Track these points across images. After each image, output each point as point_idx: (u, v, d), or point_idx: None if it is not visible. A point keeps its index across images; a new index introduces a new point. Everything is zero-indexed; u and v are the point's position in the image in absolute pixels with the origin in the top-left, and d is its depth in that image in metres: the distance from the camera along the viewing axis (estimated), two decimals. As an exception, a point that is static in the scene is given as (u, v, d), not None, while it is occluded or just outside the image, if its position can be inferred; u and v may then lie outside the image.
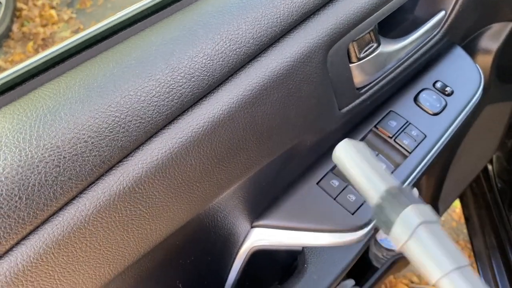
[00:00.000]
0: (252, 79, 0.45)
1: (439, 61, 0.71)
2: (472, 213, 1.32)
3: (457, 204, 1.58)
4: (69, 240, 0.37)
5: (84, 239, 0.38)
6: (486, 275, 1.23)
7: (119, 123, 0.38)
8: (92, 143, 0.37)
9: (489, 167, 1.26)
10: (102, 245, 0.40)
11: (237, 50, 0.44)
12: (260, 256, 0.63)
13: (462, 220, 1.65)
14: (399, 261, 1.02)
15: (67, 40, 0.41)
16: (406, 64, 0.62)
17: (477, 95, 0.69)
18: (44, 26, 2.74)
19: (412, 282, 1.55)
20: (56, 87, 0.39)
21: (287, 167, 0.58)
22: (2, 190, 0.34)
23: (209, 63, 0.42)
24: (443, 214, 1.23)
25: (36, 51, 2.61)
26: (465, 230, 1.64)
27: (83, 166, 0.37)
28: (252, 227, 0.61)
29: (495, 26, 0.79)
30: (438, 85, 0.69)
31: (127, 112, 0.39)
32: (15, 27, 2.65)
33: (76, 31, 2.67)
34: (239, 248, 0.62)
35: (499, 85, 0.89)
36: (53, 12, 2.80)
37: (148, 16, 0.45)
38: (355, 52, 0.54)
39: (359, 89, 0.58)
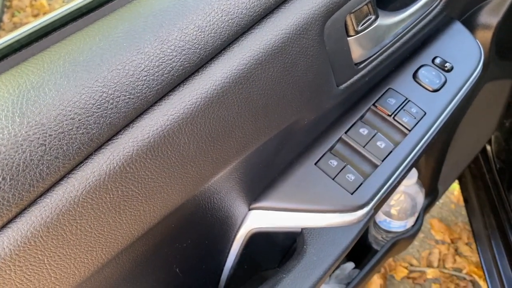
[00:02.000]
0: (246, 53, 0.43)
1: (438, 37, 0.69)
2: (471, 194, 1.31)
3: (455, 186, 1.58)
4: (58, 222, 0.36)
5: (74, 222, 0.37)
6: (485, 256, 1.23)
7: (106, 98, 0.36)
8: (79, 120, 0.35)
9: (488, 147, 1.25)
10: (93, 227, 0.38)
11: (230, 21, 0.42)
12: (259, 239, 0.62)
13: (461, 202, 1.65)
14: (399, 243, 1.01)
15: (51, 13, 0.39)
16: (404, 38, 0.60)
17: (477, 71, 0.67)
18: (35, 16, 2.70)
19: (412, 265, 1.55)
20: (40, 62, 0.37)
21: (284, 148, 0.57)
22: None
23: (200, 35, 0.40)
24: (442, 196, 1.22)
25: (28, 42, 2.56)
26: (463, 212, 1.64)
27: (70, 145, 0.35)
28: (249, 209, 0.59)
29: (495, 0, 0.77)
30: (437, 61, 0.67)
31: (115, 87, 0.37)
32: (5, 18, 2.61)
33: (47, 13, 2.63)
34: (237, 231, 0.60)
35: (498, 62, 0.87)
36: (44, 1, 2.75)
37: (135, -13, 0.43)
38: (352, 24, 0.52)
39: (357, 64, 0.56)
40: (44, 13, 2.73)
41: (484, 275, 1.21)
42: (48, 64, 0.36)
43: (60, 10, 0.39)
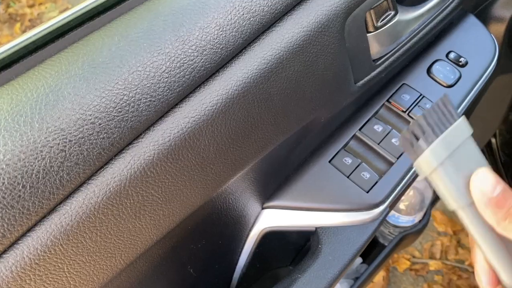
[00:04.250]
0: (267, 51, 0.42)
1: (452, 31, 0.68)
2: (475, 186, 1.31)
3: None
4: (78, 230, 0.35)
5: (94, 228, 0.36)
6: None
7: (127, 102, 0.35)
8: (100, 124, 0.34)
9: (492, 140, 1.24)
10: (113, 233, 0.37)
11: (251, 19, 0.40)
12: (271, 238, 0.61)
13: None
14: (406, 238, 1.01)
15: (67, 12, 0.37)
16: (421, 34, 0.59)
17: (492, 65, 0.66)
18: (31, 6, 2.66)
19: (414, 257, 1.55)
20: (58, 63, 0.35)
21: (299, 146, 0.56)
22: (3, 179, 0.31)
23: (221, 34, 0.39)
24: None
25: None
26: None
27: (91, 150, 0.34)
28: (263, 208, 0.58)
29: (508, -7, 0.76)
30: (452, 55, 0.66)
31: (136, 89, 0.35)
32: (0, 9, 2.57)
33: (64, 12, 2.60)
34: (250, 230, 0.60)
35: (509, 55, 0.86)
36: (39, -8, 2.71)
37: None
38: (372, 20, 0.51)
39: (375, 60, 0.55)
40: (40, 4, 2.69)
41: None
42: (66, 66, 0.35)
43: (76, 9, 0.38)
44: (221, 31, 0.39)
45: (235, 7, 0.40)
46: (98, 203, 0.35)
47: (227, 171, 0.44)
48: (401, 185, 0.59)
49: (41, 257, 0.33)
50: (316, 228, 0.62)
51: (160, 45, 0.37)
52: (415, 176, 0.62)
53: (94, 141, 0.34)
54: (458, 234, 1.59)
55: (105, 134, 0.34)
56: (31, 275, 0.33)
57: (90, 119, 0.34)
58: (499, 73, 0.89)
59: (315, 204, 0.57)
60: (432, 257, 1.56)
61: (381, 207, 0.57)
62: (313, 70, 0.46)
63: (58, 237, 0.34)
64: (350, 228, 0.63)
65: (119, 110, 0.35)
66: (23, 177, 0.32)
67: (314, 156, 0.59)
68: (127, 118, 0.35)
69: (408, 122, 0.61)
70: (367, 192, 0.57)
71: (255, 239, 0.61)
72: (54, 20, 0.37)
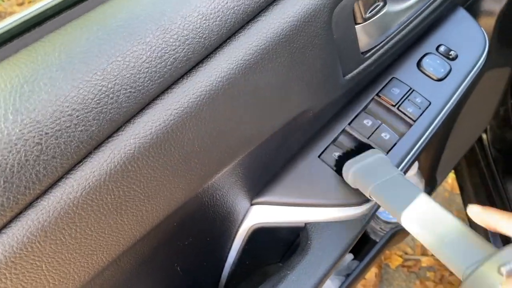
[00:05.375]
0: (252, 42, 0.40)
1: (441, 24, 0.68)
2: (466, 182, 1.31)
3: (449, 174, 1.58)
4: (56, 226, 0.33)
5: (73, 225, 0.35)
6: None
7: (106, 93, 0.34)
8: (77, 116, 0.33)
9: (483, 135, 1.24)
10: (94, 230, 0.36)
11: (235, 8, 0.39)
12: (261, 234, 0.60)
13: (455, 190, 1.65)
14: (398, 234, 1.01)
15: (44, 1, 0.36)
16: (411, 26, 0.58)
17: (482, 59, 0.66)
18: (20, 5, 2.63)
19: (406, 253, 1.55)
20: (33, 53, 0.34)
21: (288, 140, 0.55)
22: None
23: (204, 23, 0.38)
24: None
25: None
26: (457, 200, 1.64)
27: (69, 143, 0.33)
28: (251, 204, 0.57)
29: (499, -14, 0.75)
30: (442, 49, 0.65)
31: (115, 80, 0.34)
32: (-11, 7, 2.54)
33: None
34: (239, 226, 0.59)
35: (499, 49, 0.86)
36: (28, -10, 2.68)
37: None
38: (360, 12, 0.50)
39: (363, 53, 0.54)
40: (29, 2, 2.66)
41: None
42: (42, 56, 0.33)
43: (53, -3, 0.36)
44: (205, 20, 0.38)
45: None
46: (77, 198, 0.34)
47: (213, 166, 0.43)
48: None
49: (17, 255, 0.32)
50: (306, 223, 0.61)
51: (140, 34, 0.35)
52: (405, 170, 0.61)
53: (72, 133, 0.33)
54: (450, 230, 1.59)
55: (83, 127, 0.33)
56: (6, 274, 0.32)
57: (67, 111, 0.32)
58: (489, 67, 0.88)
59: (304, 199, 0.57)
60: (424, 253, 1.56)
61: (371, 202, 0.57)
62: (301, 61, 0.45)
63: (35, 233, 0.33)
64: (340, 223, 0.62)
65: (97, 101, 0.33)
66: None
67: (303, 151, 0.58)
68: (106, 110, 0.34)
69: (398, 116, 0.60)
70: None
71: (244, 235, 0.60)
72: (31, 9, 0.35)
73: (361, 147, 0.58)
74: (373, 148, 0.57)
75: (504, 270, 0.33)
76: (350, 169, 0.52)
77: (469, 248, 0.37)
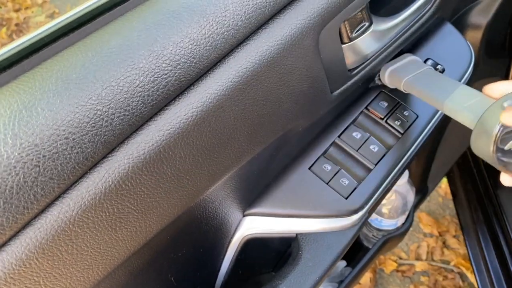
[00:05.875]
0: (241, 65, 0.42)
1: (429, 39, 0.69)
2: (458, 188, 1.33)
3: (443, 179, 1.60)
4: (53, 243, 0.35)
5: (70, 241, 0.36)
6: (473, 248, 1.24)
7: (101, 116, 0.35)
8: (73, 139, 0.35)
9: (475, 142, 1.25)
10: (90, 246, 0.38)
11: (225, 33, 0.41)
12: (253, 245, 0.61)
13: (448, 196, 1.67)
14: (390, 240, 1.02)
15: (41, 28, 0.38)
16: (397, 43, 0.60)
17: (468, 72, 0.68)
18: (17, 11, 2.64)
19: (401, 258, 1.57)
20: (31, 79, 0.36)
21: (278, 154, 0.56)
22: None
23: (195, 48, 0.40)
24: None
25: (11, 38, 2.51)
26: (451, 205, 1.66)
27: (65, 165, 0.34)
28: (244, 215, 0.59)
29: (485, 1, 0.77)
30: (429, 63, 0.67)
31: (109, 104, 0.36)
32: (-14, 14, 2.55)
33: (51, 16, 2.59)
34: (231, 237, 0.60)
35: (487, 61, 0.88)
36: (25, -5, 2.69)
37: (128, -1, 0.42)
38: (346, 32, 0.52)
39: (350, 70, 0.56)
40: (26, 8, 2.67)
41: (472, 267, 1.23)
42: (40, 82, 0.35)
43: (50, 24, 0.38)
44: (195, 45, 0.40)
45: (209, 22, 0.41)
46: (73, 217, 0.36)
47: (204, 182, 0.45)
48: (379, 190, 0.60)
49: (16, 272, 0.34)
50: (297, 234, 0.63)
51: (134, 60, 0.37)
52: (394, 181, 0.63)
53: (68, 156, 0.34)
54: (444, 235, 1.61)
55: (79, 149, 0.35)
56: None
57: (64, 134, 0.34)
58: (480, 77, 0.90)
59: (295, 210, 0.58)
60: (418, 258, 1.57)
61: (360, 213, 0.58)
62: (288, 82, 0.47)
63: (33, 251, 0.34)
64: (330, 234, 0.64)
65: (92, 124, 0.35)
66: None
67: (294, 163, 0.60)
68: (101, 132, 0.35)
69: (386, 129, 0.62)
70: (346, 199, 0.58)
71: (237, 246, 0.61)
72: (28, 36, 0.37)
73: (350, 159, 0.60)
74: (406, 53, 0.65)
75: (506, 104, 0.42)
76: (386, 70, 0.62)
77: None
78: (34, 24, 2.56)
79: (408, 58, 0.63)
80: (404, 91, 0.60)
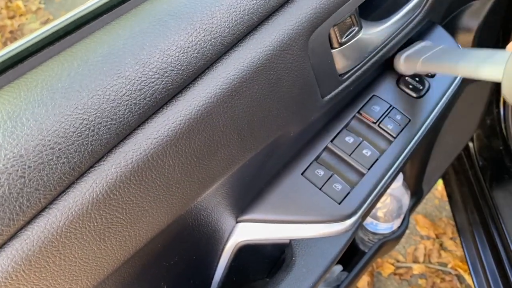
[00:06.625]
0: (230, 71, 0.42)
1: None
2: (454, 190, 1.33)
3: (439, 182, 1.60)
4: (40, 255, 0.35)
5: (58, 252, 0.36)
6: (470, 250, 1.24)
7: (87, 126, 0.35)
8: (59, 149, 0.34)
9: (470, 144, 1.26)
10: (78, 256, 0.37)
11: (213, 40, 0.41)
12: (247, 251, 0.61)
13: (444, 198, 1.67)
14: (386, 244, 1.02)
15: (26, 37, 0.38)
16: (388, 47, 0.60)
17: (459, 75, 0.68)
18: (11, 18, 2.64)
19: (398, 261, 1.57)
20: (16, 90, 0.35)
21: (270, 159, 0.56)
22: None
23: (182, 56, 0.39)
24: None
25: (5, 45, 2.51)
26: (447, 207, 1.66)
27: (51, 175, 0.34)
28: (237, 222, 0.59)
29: (476, 4, 0.77)
30: None
31: (95, 113, 0.36)
32: (-20, 21, 2.54)
33: (45, 22, 2.58)
34: (225, 244, 0.60)
35: (479, 63, 0.88)
36: (20, 3, 2.69)
37: (115, 7, 0.41)
38: (336, 37, 0.52)
39: (341, 75, 0.56)
40: (21, 15, 2.67)
41: (469, 269, 1.22)
42: (25, 92, 0.35)
43: (35, 34, 0.38)
44: (183, 53, 0.39)
45: (196, 29, 0.40)
46: (61, 228, 0.35)
47: (195, 190, 0.45)
48: (372, 195, 0.60)
49: (2, 284, 0.33)
50: (290, 240, 0.63)
51: (120, 69, 0.37)
52: (387, 185, 0.63)
53: (54, 166, 0.34)
54: (441, 237, 1.61)
55: (65, 159, 0.34)
56: None
57: (50, 145, 0.34)
58: (470, 81, 0.90)
59: (289, 216, 0.58)
60: (415, 260, 1.57)
61: (354, 218, 0.58)
62: (278, 87, 0.47)
63: (19, 263, 0.34)
64: (324, 239, 0.63)
65: (79, 134, 0.35)
66: None
67: (287, 168, 0.60)
68: (87, 142, 0.35)
69: (379, 133, 0.62)
70: (339, 204, 0.57)
71: (230, 253, 0.61)
72: (13, 45, 0.37)
73: (343, 164, 0.60)
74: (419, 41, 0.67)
75: None
76: (401, 56, 0.64)
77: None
78: (28, 31, 2.56)
79: (422, 43, 0.66)
80: (420, 72, 0.63)
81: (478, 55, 0.51)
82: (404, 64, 0.63)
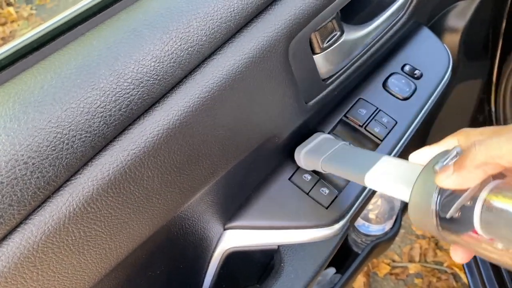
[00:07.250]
0: (208, 80, 0.42)
1: (406, 44, 0.69)
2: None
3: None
4: (16, 271, 0.34)
5: (34, 268, 0.35)
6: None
7: (61, 139, 0.35)
8: (33, 164, 0.34)
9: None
10: (56, 271, 0.37)
11: (189, 49, 0.40)
12: (235, 258, 0.61)
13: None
14: (379, 245, 1.02)
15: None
16: (372, 50, 0.60)
17: (446, 77, 0.68)
18: (3, 24, 2.63)
19: (394, 261, 1.56)
20: None
21: (256, 165, 0.56)
22: None
23: (158, 65, 0.39)
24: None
25: (-4, 51, 2.49)
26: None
27: (25, 190, 0.33)
28: (224, 229, 0.58)
29: (461, 4, 0.77)
30: (407, 68, 0.67)
31: (69, 126, 0.35)
32: (-29, 27, 2.53)
33: (36, 28, 2.57)
34: (213, 252, 0.59)
35: (467, 63, 0.88)
36: (11, 9, 2.68)
37: (89, 18, 0.41)
38: (318, 42, 0.51)
39: (325, 80, 0.55)
40: (12, 21, 2.66)
41: (463, 268, 1.22)
42: (-4, 107, 0.34)
43: (8, 46, 0.37)
44: (158, 62, 0.39)
45: (172, 38, 0.40)
46: (37, 243, 0.35)
47: (176, 200, 0.44)
48: (360, 198, 0.59)
49: None
50: (279, 246, 0.62)
51: (94, 80, 0.37)
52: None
53: (28, 181, 0.34)
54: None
55: (40, 173, 0.34)
56: None
57: (23, 159, 0.33)
58: (459, 81, 0.90)
59: (276, 222, 0.57)
60: (411, 260, 1.57)
61: (341, 222, 0.58)
62: (259, 95, 0.46)
63: None
64: (313, 244, 0.63)
65: (53, 148, 0.34)
66: None
67: (274, 174, 0.59)
68: (62, 155, 0.35)
69: (366, 136, 0.62)
70: (327, 208, 0.57)
71: (218, 260, 0.60)
72: (-15, 59, 0.36)
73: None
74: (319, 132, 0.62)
75: (437, 167, 0.35)
76: (300, 152, 0.57)
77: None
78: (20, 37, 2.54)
79: (320, 136, 0.58)
80: (323, 172, 0.56)
81: (383, 166, 0.44)
82: (304, 160, 0.57)
